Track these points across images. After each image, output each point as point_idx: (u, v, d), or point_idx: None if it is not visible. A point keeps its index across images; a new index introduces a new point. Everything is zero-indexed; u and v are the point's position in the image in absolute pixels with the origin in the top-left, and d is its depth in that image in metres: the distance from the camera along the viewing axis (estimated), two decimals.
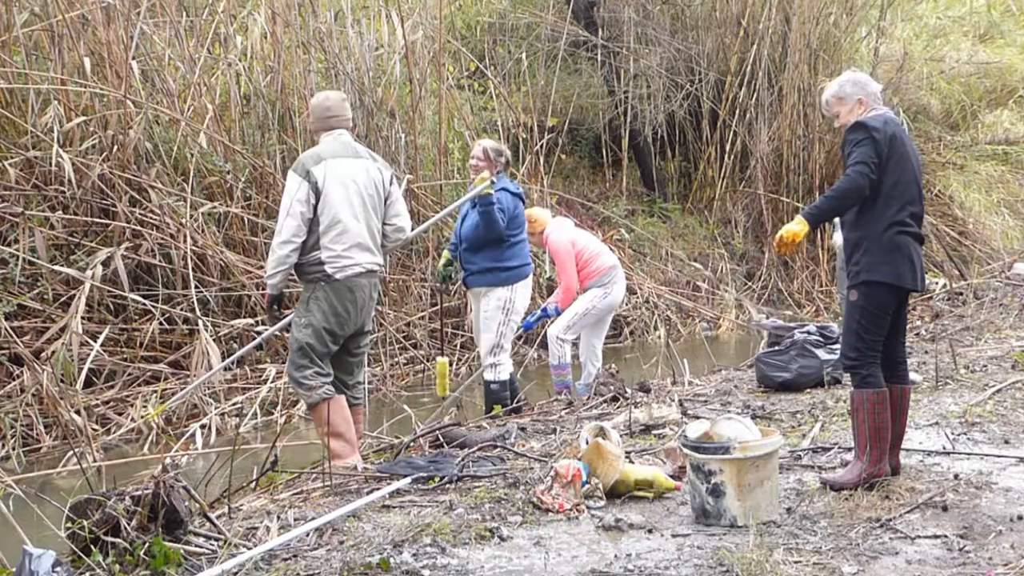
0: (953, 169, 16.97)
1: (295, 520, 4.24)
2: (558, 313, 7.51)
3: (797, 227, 4.36)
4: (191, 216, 8.61)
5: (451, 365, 9.36)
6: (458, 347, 9.83)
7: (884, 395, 4.41)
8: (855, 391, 4.45)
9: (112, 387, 7.73)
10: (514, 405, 6.70)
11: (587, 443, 4.60)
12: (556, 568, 3.66)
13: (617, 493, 4.45)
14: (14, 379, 7.14)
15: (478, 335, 6.92)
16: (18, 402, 6.93)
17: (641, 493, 4.47)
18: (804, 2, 15.43)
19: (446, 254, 7.01)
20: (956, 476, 4.60)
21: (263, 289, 5.45)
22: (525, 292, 6.75)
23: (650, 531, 4.04)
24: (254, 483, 5.15)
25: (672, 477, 4.63)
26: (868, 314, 4.43)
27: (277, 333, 8.41)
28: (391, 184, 5.56)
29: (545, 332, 7.77)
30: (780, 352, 7.07)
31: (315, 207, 5.22)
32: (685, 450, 4.20)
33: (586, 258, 7.56)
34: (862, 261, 4.42)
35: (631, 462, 4.75)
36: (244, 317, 8.69)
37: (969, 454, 5.01)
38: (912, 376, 6.84)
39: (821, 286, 13.97)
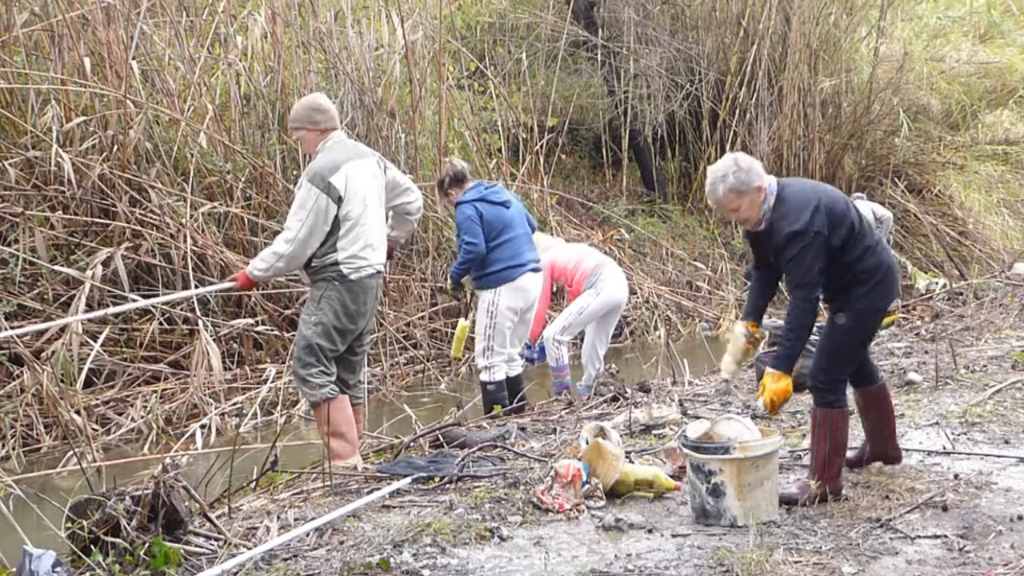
0: (953, 169, 16.97)
1: (295, 520, 4.24)
2: (528, 347, 7.57)
3: (782, 384, 4.13)
4: (191, 216, 8.61)
5: (451, 365, 9.38)
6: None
7: (847, 413, 4.34)
8: (818, 409, 4.29)
9: (112, 387, 7.72)
10: (514, 405, 6.71)
11: (587, 443, 4.60)
12: (556, 568, 3.66)
13: (617, 493, 4.45)
14: (14, 379, 7.14)
15: None
16: (18, 402, 6.92)
17: (641, 493, 4.47)
18: (804, 2, 15.43)
19: (448, 283, 7.20)
20: (956, 476, 4.60)
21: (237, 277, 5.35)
22: (512, 294, 6.72)
23: (650, 531, 4.04)
24: (254, 483, 5.15)
25: (672, 477, 4.63)
26: (857, 339, 4.32)
27: (275, 331, 8.44)
28: (385, 172, 5.56)
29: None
30: None
31: (336, 213, 5.21)
32: (685, 450, 4.20)
33: (571, 267, 7.55)
34: (861, 291, 4.20)
35: (631, 462, 4.75)
36: (244, 317, 8.69)
37: (969, 454, 5.00)
38: (912, 376, 6.87)
39: None
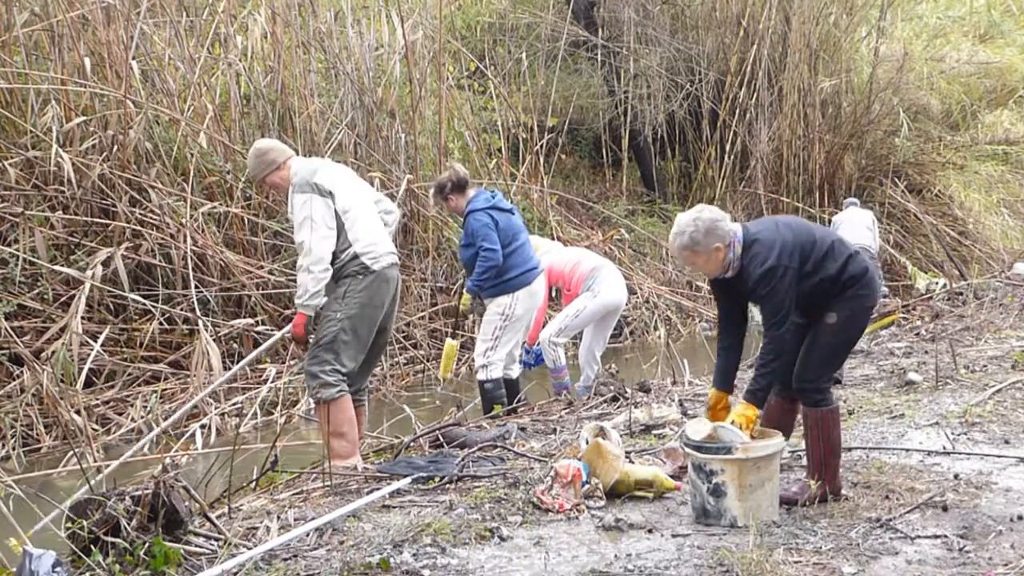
0: (953, 169, 16.99)
1: (295, 520, 4.24)
2: (527, 351, 7.56)
3: (750, 412, 4.09)
4: (191, 216, 8.61)
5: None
6: (457, 346, 9.80)
7: (837, 411, 4.36)
8: (810, 409, 4.29)
9: (112, 387, 7.73)
10: (512, 405, 6.71)
11: (587, 443, 4.60)
12: (556, 568, 3.65)
13: (617, 493, 4.45)
14: (14, 379, 7.14)
15: None
16: (18, 402, 6.92)
17: (641, 493, 4.47)
18: (804, 2, 15.46)
19: (465, 297, 7.01)
20: (956, 476, 4.60)
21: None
22: (528, 298, 6.74)
23: (650, 531, 4.04)
24: (254, 483, 5.15)
25: (672, 477, 4.63)
26: (846, 339, 4.33)
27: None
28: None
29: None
30: None
31: (334, 208, 5.21)
32: (687, 450, 4.20)
33: (568, 271, 7.54)
34: (851, 291, 4.23)
35: (631, 462, 4.75)
36: (244, 317, 8.69)
37: (969, 454, 5.01)
38: (912, 376, 6.88)
39: None
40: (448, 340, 7.11)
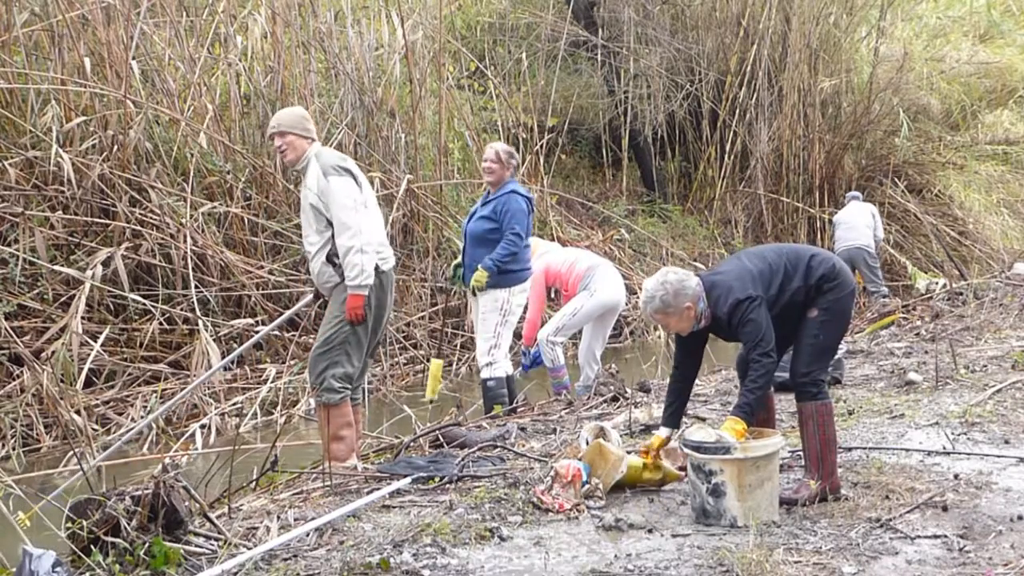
0: (953, 169, 16.98)
1: (295, 520, 4.24)
2: (524, 354, 7.54)
3: (738, 427, 4.14)
4: (191, 216, 8.61)
5: (450, 365, 9.34)
6: (458, 347, 9.83)
7: (831, 406, 4.40)
8: (805, 403, 4.35)
9: (112, 387, 7.73)
10: (512, 406, 6.70)
11: (587, 443, 4.60)
12: (556, 568, 3.65)
13: (626, 483, 4.46)
14: (14, 379, 7.15)
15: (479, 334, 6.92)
16: (18, 402, 6.93)
17: (648, 475, 4.50)
18: (804, 2, 15.46)
19: (479, 273, 6.88)
20: (956, 476, 4.60)
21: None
22: (522, 294, 6.74)
23: (650, 531, 4.04)
24: (254, 483, 5.15)
25: None
26: (834, 331, 4.40)
27: (276, 332, 8.45)
28: None
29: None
30: None
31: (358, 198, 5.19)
32: (686, 450, 4.20)
33: (565, 271, 7.53)
34: (828, 285, 4.35)
35: None
36: (244, 317, 8.69)
37: (969, 454, 5.01)
38: (912, 376, 6.88)
39: None
40: (433, 360, 7.06)
